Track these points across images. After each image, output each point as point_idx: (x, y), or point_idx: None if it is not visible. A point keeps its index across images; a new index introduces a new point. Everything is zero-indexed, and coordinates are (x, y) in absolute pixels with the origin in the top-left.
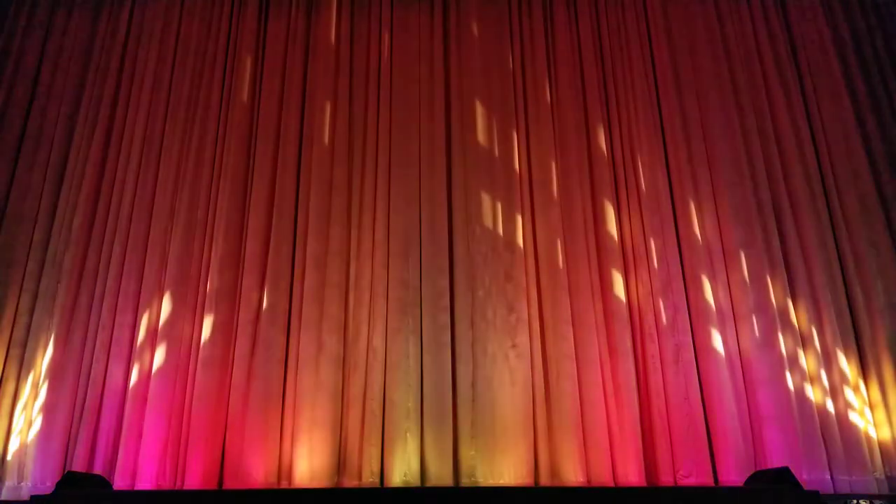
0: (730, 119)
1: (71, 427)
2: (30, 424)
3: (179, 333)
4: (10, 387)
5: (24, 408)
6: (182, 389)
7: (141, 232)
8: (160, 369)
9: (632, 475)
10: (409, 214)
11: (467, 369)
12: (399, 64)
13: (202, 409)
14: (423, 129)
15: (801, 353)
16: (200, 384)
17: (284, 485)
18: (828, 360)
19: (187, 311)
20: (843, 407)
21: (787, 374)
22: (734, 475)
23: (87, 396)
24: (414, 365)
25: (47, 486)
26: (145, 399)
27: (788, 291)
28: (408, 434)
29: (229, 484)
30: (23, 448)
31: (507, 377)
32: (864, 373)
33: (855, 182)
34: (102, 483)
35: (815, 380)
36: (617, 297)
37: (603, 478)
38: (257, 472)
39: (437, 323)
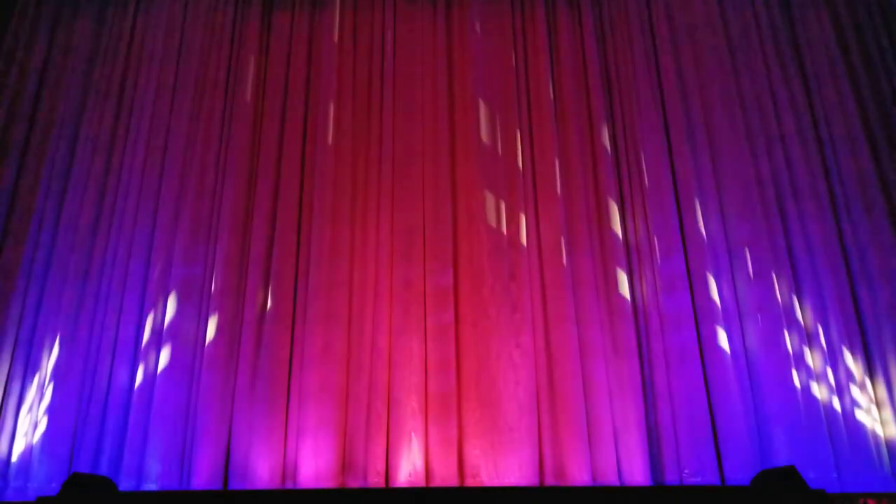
0: (733, 116)
1: (76, 428)
2: (35, 425)
3: (185, 333)
4: (15, 387)
5: (30, 409)
6: (187, 390)
7: (146, 232)
8: (165, 370)
9: (637, 474)
10: (413, 213)
11: (471, 368)
12: (402, 62)
13: (207, 409)
14: (426, 127)
15: (806, 350)
16: (205, 384)
17: (289, 485)
18: (833, 358)
19: (192, 311)
20: (850, 405)
21: (794, 372)
22: (740, 474)
23: (93, 397)
24: (418, 364)
25: (53, 487)
26: (150, 400)
27: (793, 288)
28: (412, 434)
29: (234, 484)
30: (28, 449)
31: (512, 376)
32: (870, 370)
33: (859, 179)
34: (108, 484)
35: (821, 378)
36: (621, 295)
37: (608, 477)
38: (262, 473)
39: (440, 322)
